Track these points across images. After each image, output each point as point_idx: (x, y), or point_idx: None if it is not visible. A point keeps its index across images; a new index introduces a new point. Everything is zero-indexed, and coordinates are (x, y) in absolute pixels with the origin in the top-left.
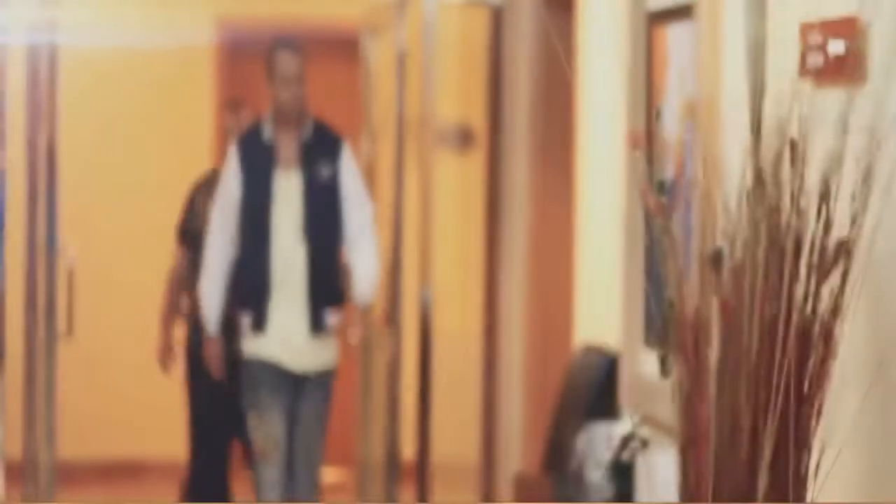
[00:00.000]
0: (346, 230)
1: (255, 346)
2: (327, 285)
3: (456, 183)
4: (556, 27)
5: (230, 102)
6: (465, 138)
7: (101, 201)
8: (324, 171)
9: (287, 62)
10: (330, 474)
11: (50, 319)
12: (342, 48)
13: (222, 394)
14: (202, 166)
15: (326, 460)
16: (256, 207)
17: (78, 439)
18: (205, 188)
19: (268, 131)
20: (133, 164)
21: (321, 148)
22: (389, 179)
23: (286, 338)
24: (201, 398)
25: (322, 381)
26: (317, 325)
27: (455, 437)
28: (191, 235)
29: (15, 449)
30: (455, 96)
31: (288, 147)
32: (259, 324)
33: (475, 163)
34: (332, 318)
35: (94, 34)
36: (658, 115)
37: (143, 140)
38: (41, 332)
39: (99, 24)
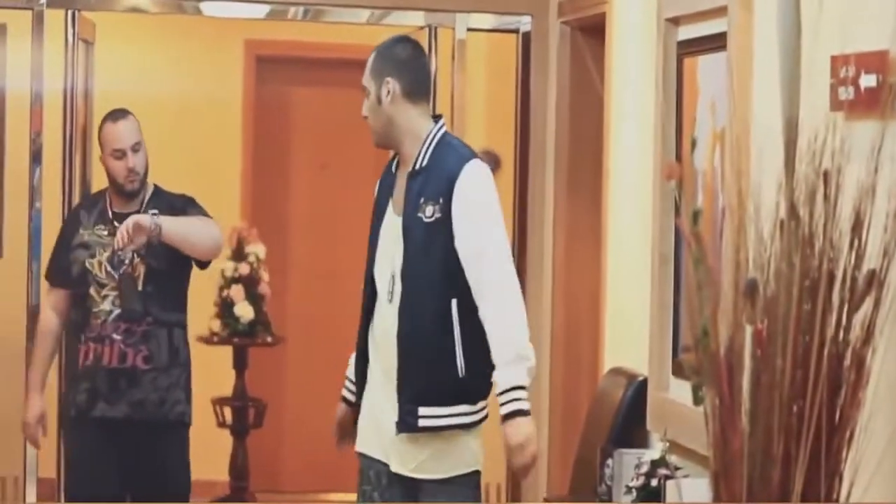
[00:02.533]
0: None
1: None
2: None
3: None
4: (586, 55)
5: None
6: (493, 164)
7: None
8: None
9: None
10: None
11: None
12: None
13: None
14: (233, 187)
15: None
16: None
17: None
18: (87, 209)
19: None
20: (161, 181)
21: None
22: None
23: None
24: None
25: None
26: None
27: (483, 462)
28: (69, 272)
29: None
30: (483, 122)
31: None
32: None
33: (503, 188)
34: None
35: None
36: (694, 144)
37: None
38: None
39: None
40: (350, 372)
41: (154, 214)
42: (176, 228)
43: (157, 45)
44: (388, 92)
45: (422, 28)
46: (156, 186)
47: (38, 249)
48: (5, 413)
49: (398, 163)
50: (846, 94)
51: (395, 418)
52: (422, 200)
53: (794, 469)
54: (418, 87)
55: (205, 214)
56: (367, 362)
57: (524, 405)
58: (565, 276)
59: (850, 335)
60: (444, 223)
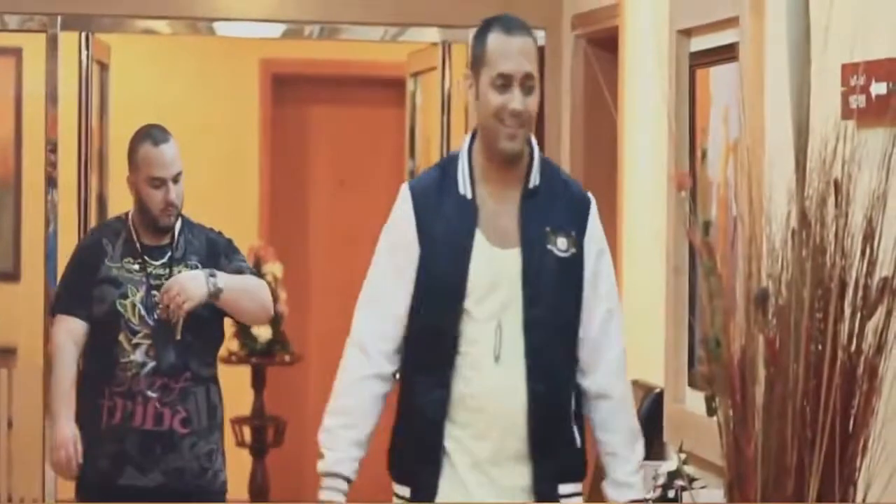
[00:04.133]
0: None
1: None
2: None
3: None
4: (599, 67)
5: None
6: None
7: None
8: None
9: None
10: None
11: None
12: (387, 90)
13: None
14: (251, 206)
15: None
16: None
17: None
18: (109, 238)
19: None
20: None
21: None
22: None
23: None
24: None
25: None
26: None
27: None
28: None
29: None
30: None
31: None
32: None
33: None
34: None
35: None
36: (704, 155)
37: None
38: None
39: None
40: (352, 439)
41: (211, 275)
42: (234, 292)
43: (171, 67)
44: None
45: (436, 44)
46: (183, 217)
47: (53, 272)
48: (25, 434)
49: (471, 179)
50: (857, 102)
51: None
52: (548, 230)
53: (808, 477)
54: None
55: (247, 262)
56: (437, 435)
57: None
58: None
59: (862, 344)
60: (577, 262)
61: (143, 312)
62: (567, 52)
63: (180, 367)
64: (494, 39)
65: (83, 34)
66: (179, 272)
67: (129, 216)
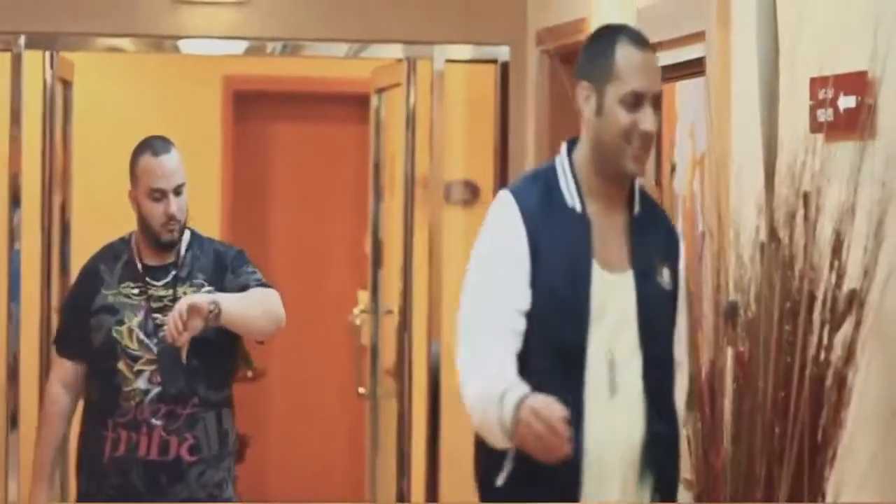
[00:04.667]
0: None
1: None
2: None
3: (463, 238)
4: (565, 83)
5: None
6: (472, 193)
7: None
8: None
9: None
10: None
11: None
12: (351, 107)
13: None
14: (212, 223)
15: None
16: None
17: None
18: (107, 263)
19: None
20: None
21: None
22: (397, 235)
23: None
24: None
25: None
26: None
27: (464, 490)
28: (87, 341)
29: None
30: (463, 152)
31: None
32: None
33: (483, 218)
34: None
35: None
36: (673, 169)
37: None
38: None
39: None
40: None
41: (210, 292)
42: (237, 311)
43: (135, 84)
44: None
45: (400, 60)
46: (192, 231)
47: (16, 292)
48: None
49: (581, 196)
50: (825, 115)
51: None
52: (656, 259)
53: (777, 490)
54: None
55: (257, 273)
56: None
57: None
58: None
59: (831, 355)
60: (674, 297)
61: (142, 337)
62: (532, 68)
63: (187, 393)
64: (625, 53)
65: (48, 52)
66: (184, 293)
67: (133, 236)
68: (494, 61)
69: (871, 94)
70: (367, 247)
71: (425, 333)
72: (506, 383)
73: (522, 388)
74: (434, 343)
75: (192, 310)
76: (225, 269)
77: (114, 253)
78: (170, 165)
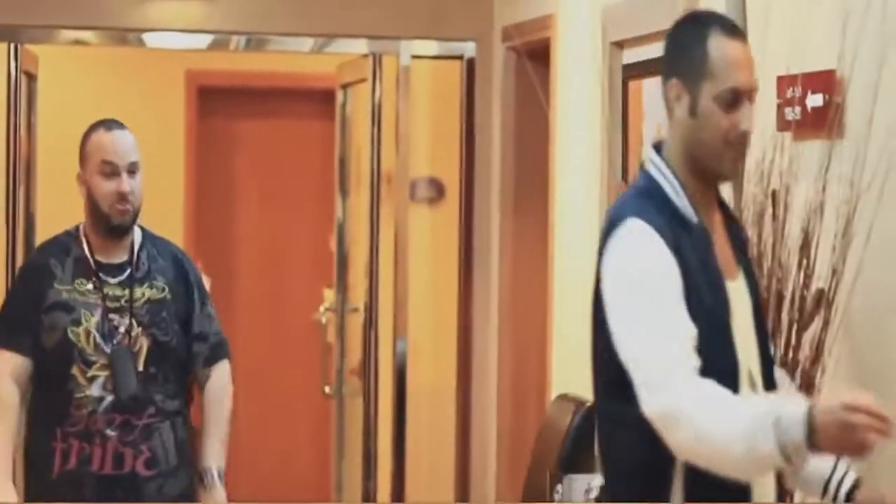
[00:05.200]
0: None
1: None
2: None
3: (429, 235)
4: (532, 79)
5: None
6: (438, 191)
7: None
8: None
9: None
10: None
11: None
12: (316, 102)
13: None
14: (175, 220)
15: None
16: None
17: None
18: (57, 256)
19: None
20: None
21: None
22: (363, 232)
23: None
24: None
25: None
26: None
27: (430, 490)
28: (38, 338)
29: None
30: (428, 148)
31: None
32: None
33: (448, 215)
34: None
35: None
36: (642, 166)
37: None
38: None
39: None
40: None
41: (170, 299)
42: (225, 447)
43: (99, 77)
44: None
45: (366, 56)
46: (143, 230)
47: None
48: None
49: (693, 206)
50: (793, 114)
51: None
52: (750, 262)
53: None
54: None
55: (215, 319)
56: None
57: None
58: (512, 302)
59: (799, 355)
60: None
61: (98, 340)
62: (498, 65)
63: (143, 401)
64: (719, 45)
65: (12, 45)
66: (143, 294)
67: (80, 229)
68: (460, 57)
69: (839, 92)
70: (333, 244)
71: (391, 331)
72: (759, 408)
73: (784, 403)
74: (400, 341)
75: None
76: (189, 285)
77: (61, 247)
78: (124, 141)
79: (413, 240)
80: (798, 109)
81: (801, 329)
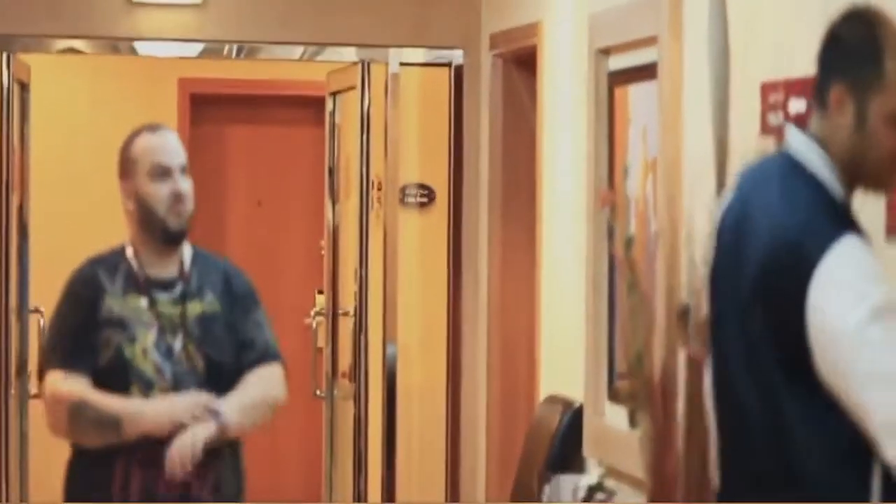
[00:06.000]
0: None
1: None
2: None
3: (419, 240)
4: (519, 86)
5: None
6: (426, 196)
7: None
8: None
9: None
10: None
11: (22, 379)
12: (307, 110)
13: None
14: None
15: None
16: None
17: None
18: (106, 270)
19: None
20: (101, 225)
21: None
22: (353, 237)
23: None
24: None
25: None
26: None
27: (420, 491)
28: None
29: None
30: (418, 155)
31: None
32: None
33: (438, 220)
34: None
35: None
36: (626, 172)
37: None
38: (13, 390)
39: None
40: None
41: (219, 314)
42: (245, 422)
43: (91, 86)
44: None
45: (355, 63)
46: (193, 247)
47: None
48: None
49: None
50: (776, 119)
51: None
52: None
53: None
54: None
55: (266, 329)
56: None
57: None
58: (501, 305)
59: None
60: None
61: (157, 359)
62: (486, 72)
63: None
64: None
65: (4, 54)
66: (195, 310)
67: (126, 248)
68: (449, 65)
69: None
70: (324, 249)
71: (381, 335)
72: None
73: None
74: (390, 345)
75: (192, 446)
76: (234, 299)
77: (109, 261)
78: (172, 141)
79: (403, 245)
80: (781, 115)
81: None
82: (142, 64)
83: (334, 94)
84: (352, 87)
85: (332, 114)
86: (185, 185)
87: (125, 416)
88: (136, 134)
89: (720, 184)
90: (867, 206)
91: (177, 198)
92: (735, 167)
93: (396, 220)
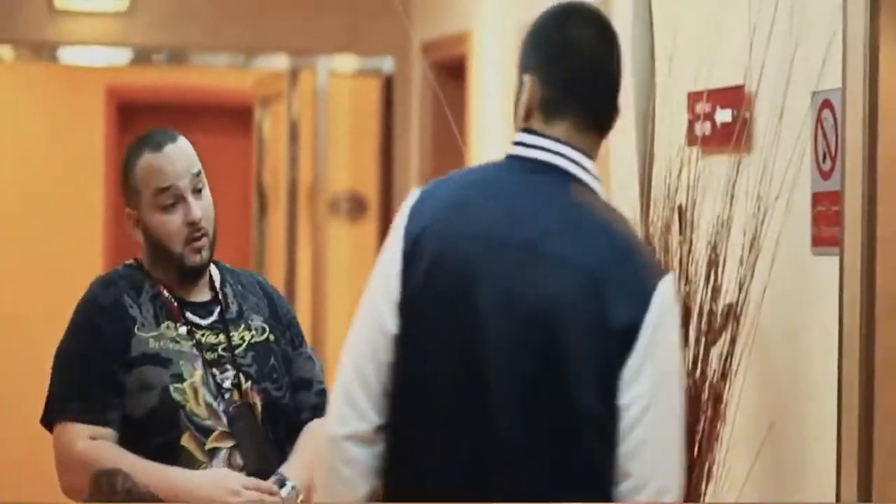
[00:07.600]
0: None
1: None
2: None
3: (348, 251)
4: (447, 94)
5: None
6: (357, 206)
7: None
8: None
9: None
10: None
11: None
12: (234, 118)
13: None
14: (95, 237)
15: None
16: None
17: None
18: (129, 292)
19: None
20: (20, 241)
21: None
22: (281, 248)
23: None
24: None
25: None
26: None
27: None
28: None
29: None
30: (347, 164)
31: None
32: None
33: (368, 231)
34: None
35: None
36: None
37: (34, 216)
38: None
39: None
40: None
41: (274, 341)
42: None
43: (15, 95)
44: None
45: (282, 70)
46: (217, 262)
47: None
48: None
49: None
50: (702, 129)
51: None
52: None
53: None
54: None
55: (315, 361)
56: None
57: None
58: None
59: (707, 369)
60: None
61: (209, 400)
62: (416, 80)
63: (268, 476)
64: None
65: None
66: (242, 339)
67: (141, 262)
68: (379, 72)
69: (747, 108)
70: (251, 262)
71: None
72: None
73: None
74: (318, 359)
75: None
76: (284, 326)
77: (129, 282)
78: (179, 156)
79: (332, 256)
80: (707, 125)
81: (710, 344)
82: (67, 72)
83: (263, 102)
84: (280, 95)
85: (260, 122)
86: (200, 206)
87: (171, 493)
88: (134, 153)
89: (644, 194)
90: (794, 219)
91: (192, 226)
92: (660, 177)
93: (326, 232)
